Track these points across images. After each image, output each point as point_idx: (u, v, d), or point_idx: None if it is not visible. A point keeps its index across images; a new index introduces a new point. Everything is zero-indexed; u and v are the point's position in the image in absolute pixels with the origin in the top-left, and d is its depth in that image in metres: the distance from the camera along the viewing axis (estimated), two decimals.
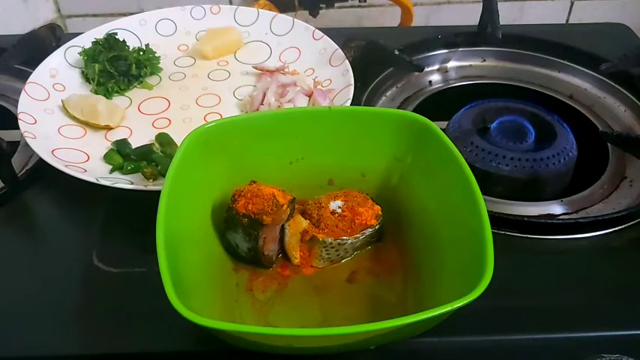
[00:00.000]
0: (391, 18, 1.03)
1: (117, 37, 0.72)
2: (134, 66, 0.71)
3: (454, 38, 0.81)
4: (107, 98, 0.69)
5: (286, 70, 0.72)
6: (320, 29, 0.75)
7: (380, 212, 0.51)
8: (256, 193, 0.49)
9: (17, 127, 0.62)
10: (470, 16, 0.85)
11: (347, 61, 0.70)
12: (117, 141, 0.63)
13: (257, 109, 0.67)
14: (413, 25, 1.00)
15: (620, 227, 0.57)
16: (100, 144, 0.63)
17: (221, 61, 0.76)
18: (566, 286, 0.52)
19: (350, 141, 0.54)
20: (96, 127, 0.65)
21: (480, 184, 0.46)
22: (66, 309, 0.50)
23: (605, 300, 0.51)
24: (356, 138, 0.54)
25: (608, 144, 0.67)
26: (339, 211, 0.51)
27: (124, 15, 0.79)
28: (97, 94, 0.70)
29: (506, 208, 0.58)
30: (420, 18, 1.03)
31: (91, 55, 0.71)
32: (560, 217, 0.59)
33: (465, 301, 0.38)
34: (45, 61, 0.70)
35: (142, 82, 0.72)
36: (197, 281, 0.45)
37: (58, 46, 0.74)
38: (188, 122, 0.67)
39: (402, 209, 0.53)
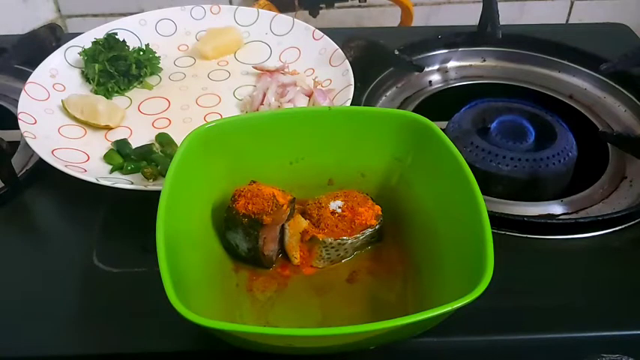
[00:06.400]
0: (391, 18, 1.03)
1: (117, 37, 0.72)
2: (134, 66, 0.71)
3: (454, 38, 0.81)
4: (107, 98, 0.69)
5: (286, 70, 0.72)
6: (320, 29, 0.75)
7: (380, 212, 0.51)
8: (256, 193, 0.49)
9: (17, 127, 0.62)
10: (470, 16, 0.85)
11: (347, 61, 0.70)
12: (117, 141, 0.63)
13: (257, 109, 0.67)
14: (413, 25, 1.00)
15: (620, 227, 0.57)
16: (100, 144, 0.63)
17: (221, 61, 0.76)
18: (566, 286, 0.52)
19: (350, 141, 0.54)
20: (96, 127, 0.65)
21: (480, 184, 0.46)
22: (66, 309, 0.50)
23: (605, 300, 0.51)
24: (356, 138, 0.54)
25: (608, 144, 0.67)
26: (339, 211, 0.51)
27: (124, 15, 0.79)
28: (97, 94, 0.70)
29: (506, 208, 0.58)
30: (420, 18, 1.03)
31: (91, 55, 0.71)
32: (560, 217, 0.59)
33: (465, 301, 0.38)
34: (45, 61, 0.70)
35: (142, 82, 0.72)
36: (197, 281, 0.45)
37: (58, 46, 0.74)
38: (188, 122, 0.67)
39: (402, 209, 0.53)
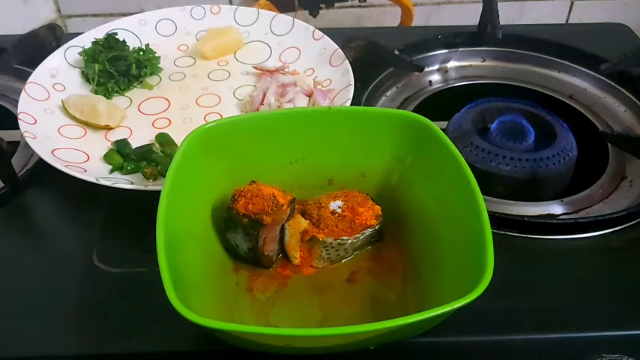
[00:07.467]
0: (391, 18, 1.03)
1: (117, 37, 0.72)
2: (134, 66, 0.71)
3: (454, 38, 0.81)
4: (107, 98, 0.69)
5: (286, 70, 0.72)
6: (320, 29, 0.75)
7: (380, 212, 0.51)
8: (256, 193, 0.49)
9: (17, 127, 0.62)
10: (470, 16, 0.85)
11: (347, 61, 0.70)
12: (117, 141, 0.63)
13: (257, 109, 0.67)
14: (413, 25, 1.00)
15: (620, 227, 0.57)
16: (100, 144, 0.63)
17: (221, 61, 0.76)
18: (566, 286, 0.52)
19: (350, 141, 0.54)
20: (96, 127, 0.65)
21: (480, 184, 0.46)
22: (66, 309, 0.50)
23: (605, 300, 0.51)
24: (356, 138, 0.54)
25: (608, 144, 0.67)
26: (339, 211, 0.51)
27: (124, 15, 0.79)
28: (97, 94, 0.70)
29: (506, 208, 0.58)
30: (420, 18, 1.03)
31: (91, 55, 0.71)
32: (560, 217, 0.59)
33: (465, 301, 0.38)
34: (45, 61, 0.70)
35: (142, 82, 0.72)
36: (197, 281, 0.45)
37: (58, 46, 0.74)
38: (188, 122, 0.67)
39: (402, 209, 0.53)
